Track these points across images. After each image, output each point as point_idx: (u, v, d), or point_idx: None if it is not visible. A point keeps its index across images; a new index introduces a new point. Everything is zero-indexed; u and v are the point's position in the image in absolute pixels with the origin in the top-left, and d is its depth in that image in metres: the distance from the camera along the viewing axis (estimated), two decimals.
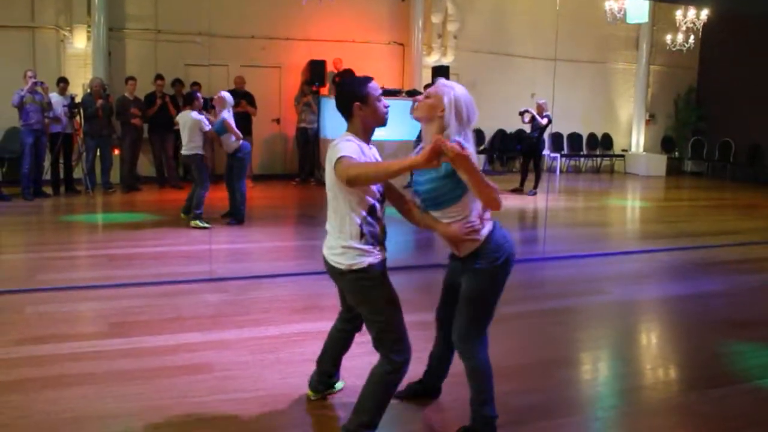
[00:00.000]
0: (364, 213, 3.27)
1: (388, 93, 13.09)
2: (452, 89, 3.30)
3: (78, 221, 9.56)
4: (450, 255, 3.66)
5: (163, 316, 5.44)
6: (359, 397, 3.38)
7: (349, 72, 12.87)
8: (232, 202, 9.39)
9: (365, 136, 3.35)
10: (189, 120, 9.14)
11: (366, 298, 3.35)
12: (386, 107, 3.36)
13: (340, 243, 3.30)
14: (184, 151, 9.28)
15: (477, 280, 3.43)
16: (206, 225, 8.85)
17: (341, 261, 3.30)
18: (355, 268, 3.27)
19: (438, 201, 3.36)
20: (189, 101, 9.51)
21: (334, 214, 3.33)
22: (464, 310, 3.47)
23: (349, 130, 3.35)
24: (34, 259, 7.32)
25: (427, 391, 4.00)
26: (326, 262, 3.42)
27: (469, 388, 3.53)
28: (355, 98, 3.28)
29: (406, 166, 3.05)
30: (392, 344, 3.32)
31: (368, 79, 3.37)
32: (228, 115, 9.09)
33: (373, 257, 3.29)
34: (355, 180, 3.09)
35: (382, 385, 3.34)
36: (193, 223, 8.91)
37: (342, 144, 3.22)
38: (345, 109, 3.33)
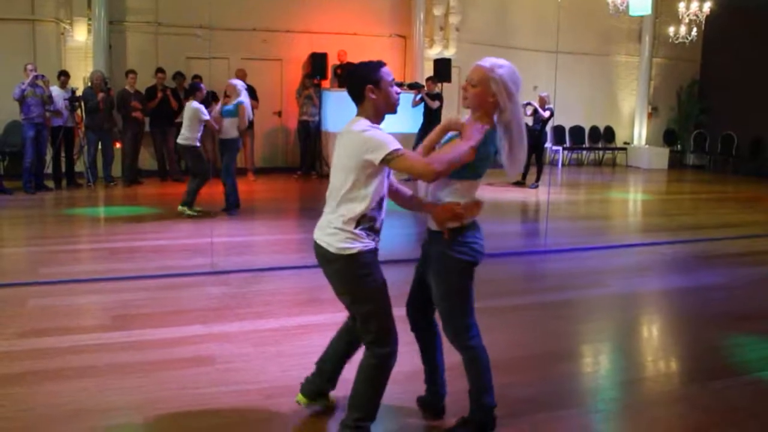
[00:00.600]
0: (373, 204, 3.20)
1: None
2: (493, 71, 3.28)
3: (80, 215, 9.56)
4: (423, 241, 3.57)
5: (165, 308, 5.45)
6: (351, 393, 3.34)
7: (350, 65, 12.85)
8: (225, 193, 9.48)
9: (376, 122, 3.26)
10: (189, 110, 9.16)
11: (350, 287, 3.28)
12: (398, 94, 3.30)
13: (334, 224, 3.22)
14: (179, 140, 9.30)
15: (444, 277, 3.38)
16: (193, 213, 8.99)
17: (331, 242, 3.22)
18: (344, 253, 3.19)
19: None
20: (192, 92, 9.49)
21: (338, 195, 3.22)
22: (441, 307, 3.44)
23: (359, 114, 3.27)
24: (36, 253, 7.33)
25: (429, 407, 3.79)
26: (316, 245, 3.32)
27: (467, 378, 3.52)
28: (368, 81, 3.21)
29: (470, 148, 3.14)
30: (375, 336, 3.27)
31: (381, 64, 3.30)
32: (246, 100, 9.22)
33: (362, 244, 3.20)
34: (442, 174, 3.13)
35: (370, 379, 3.29)
36: (180, 208, 9.00)
37: (373, 132, 3.13)
38: (357, 91, 3.24)
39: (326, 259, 3.28)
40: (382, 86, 3.23)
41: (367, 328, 3.28)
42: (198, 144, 9.21)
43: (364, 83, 3.22)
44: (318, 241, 3.30)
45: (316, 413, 3.76)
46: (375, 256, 3.29)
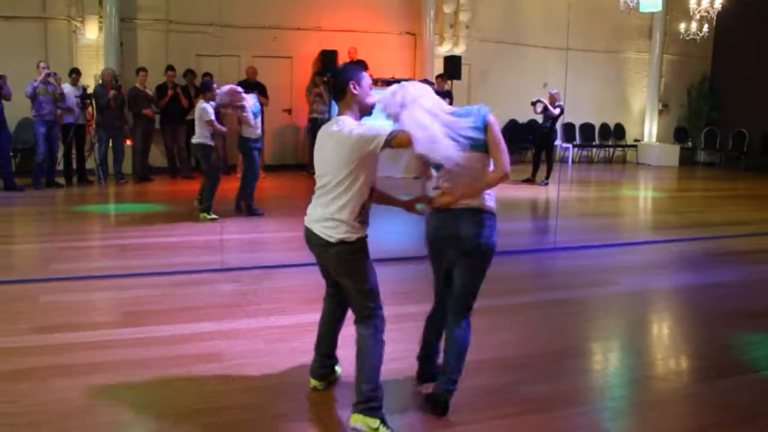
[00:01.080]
0: (367, 195, 3.52)
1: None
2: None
3: (91, 211, 9.61)
4: None
5: (175, 305, 5.48)
6: (357, 371, 3.56)
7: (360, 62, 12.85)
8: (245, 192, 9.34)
9: (357, 119, 3.57)
10: (197, 109, 9.05)
11: (352, 268, 3.57)
12: (375, 101, 3.63)
13: (335, 216, 3.48)
14: (192, 140, 9.19)
15: None
16: (214, 217, 8.83)
17: (332, 234, 3.49)
18: (346, 240, 3.49)
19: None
20: (203, 90, 9.31)
21: (336, 191, 3.47)
22: None
23: (342, 111, 3.58)
24: (47, 249, 7.37)
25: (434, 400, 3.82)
26: (312, 234, 3.60)
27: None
28: (352, 78, 3.54)
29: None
30: (373, 310, 3.59)
31: (364, 68, 3.71)
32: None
33: (361, 233, 3.54)
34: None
35: (373, 349, 3.57)
36: (201, 216, 8.88)
37: (361, 128, 3.41)
38: (341, 86, 3.56)
39: (325, 244, 3.54)
40: (363, 85, 3.57)
41: (364, 303, 3.59)
42: (209, 143, 9.02)
43: (348, 79, 3.54)
44: (315, 232, 3.58)
45: (326, 409, 3.78)
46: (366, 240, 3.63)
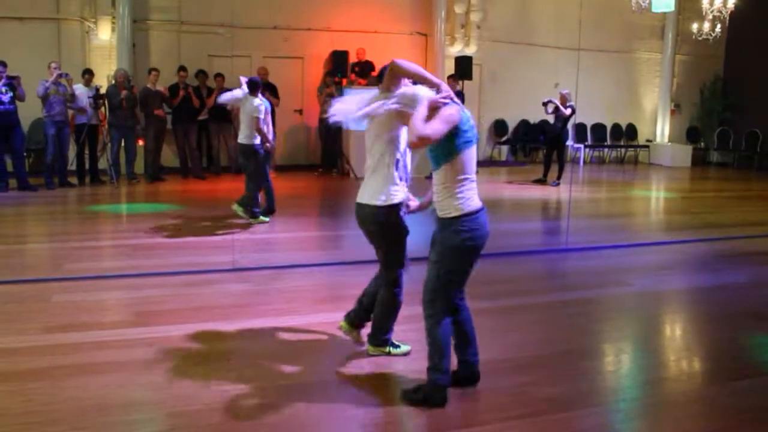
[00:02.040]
0: (400, 157, 4.08)
1: None
2: None
3: (103, 211, 9.65)
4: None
5: (187, 305, 5.49)
6: (376, 320, 4.33)
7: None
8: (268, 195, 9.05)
9: None
10: (248, 105, 8.40)
11: (396, 229, 4.12)
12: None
13: (394, 179, 4.03)
14: (239, 139, 8.61)
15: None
16: (265, 220, 8.66)
17: (384, 198, 4.01)
18: (394, 202, 4.03)
19: None
20: (255, 88, 8.38)
21: (384, 157, 4.06)
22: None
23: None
24: (60, 249, 7.41)
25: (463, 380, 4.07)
26: (365, 209, 4.09)
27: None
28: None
29: None
30: (400, 265, 4.21)
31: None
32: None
33: (404, 194, 4.11)
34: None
35: (394, 304, 4.29)
36: (252, 220, 8.59)
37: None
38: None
39: (376, 216, 4.06)
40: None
41: (397, 259, 4.19)
42: (257, 141, 8.43)
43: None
44: (371, 204, 4.06)
45: (340, 409, 3.78)
46: None
